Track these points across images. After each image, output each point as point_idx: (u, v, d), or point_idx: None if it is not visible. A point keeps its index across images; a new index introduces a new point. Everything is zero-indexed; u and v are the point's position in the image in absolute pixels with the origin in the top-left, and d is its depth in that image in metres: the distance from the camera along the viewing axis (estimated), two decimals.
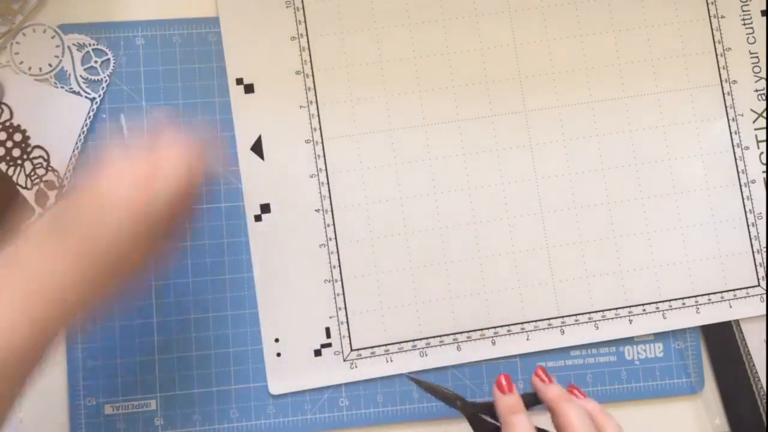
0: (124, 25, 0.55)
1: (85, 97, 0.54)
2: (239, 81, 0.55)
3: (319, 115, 0.56)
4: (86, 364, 0.53)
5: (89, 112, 0.54)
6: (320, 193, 0.55)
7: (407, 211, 0.55)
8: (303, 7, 0.56)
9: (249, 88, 0.55)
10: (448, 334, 0.55)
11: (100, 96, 0.54)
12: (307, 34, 0.56)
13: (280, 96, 0.56)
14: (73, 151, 0.54)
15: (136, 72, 0.55)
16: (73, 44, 0.54)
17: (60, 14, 0.55)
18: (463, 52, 0.56)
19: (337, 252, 0.55)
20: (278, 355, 0.54)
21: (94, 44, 0.55)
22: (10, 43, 0.54)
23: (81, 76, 0.54)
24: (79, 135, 0.54)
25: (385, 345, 0.55)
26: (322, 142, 0.55)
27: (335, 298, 0.55)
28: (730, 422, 0.56)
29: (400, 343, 0.55)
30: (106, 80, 0.55)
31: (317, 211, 0.55)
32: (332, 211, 0.55)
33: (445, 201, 0.56)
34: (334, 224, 0.55)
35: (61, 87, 0.54)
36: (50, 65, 0.54)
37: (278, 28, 0.56)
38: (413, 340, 0.55)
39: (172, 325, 0.54)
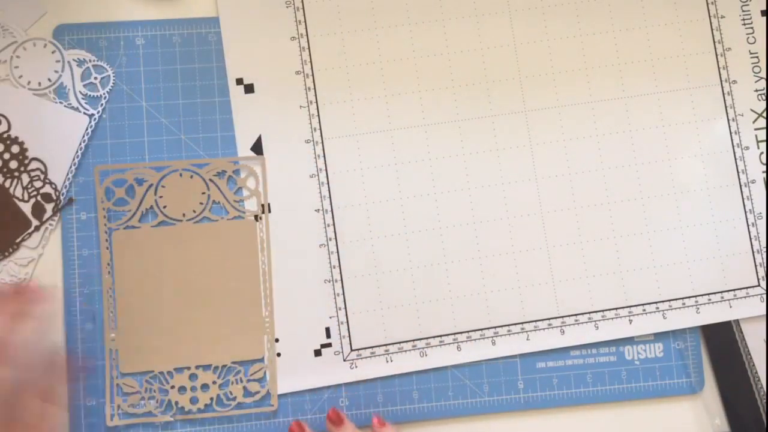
0: (124, 25, 0.55)
1: (84, 113, 0.54)
2: (239, 81, 0.55)
3: (319, 115, 0.56)
4: (86, 364, 0.53)
5: (87, 129, 0.54)
6: (320, 193, 0.55)
7: (407, 211, 0.55)
8: (303, 7, 0.56)
9: (249, 88, 0.55)
10: (448, 334, 0.55)
11: (99, 112, 0.54)
12: (307, 34, 0.56)
13: (280, 96, 0.56)
14: (71, 164, 0.53)
15: (136, 72, 0.55)
16: (74, 59, 0.54)
17: (60, 14, 0.55)
18: (463, 52, 0.56)
19: (337, 252, 0.55)
20: (278, 355, 0.54)
21: (94, 60, 0.54)
22: (9, 57, 0.54)
23: (80, 92, 0.54)
24: (77, 150, 0.53)
25: (385, 345, 0.55)
26: (322, 142, 0.55)
27: (335, 298, 0.55)
28: (730, 422, 0.56)
29: (400, 343, 0.55)
30: (105, 97, 0.54)
31: (317, 211, 0.55)
32: (332, 211, 0.55)
33: (445, 201, 0.56)
34: (334, 224, 0.55)
35: (60, 102, 0.54)
36: (50, 80, 0.54)
37: (278, 28, 0.56)
38: (413, 340, 0.55)
39: None
